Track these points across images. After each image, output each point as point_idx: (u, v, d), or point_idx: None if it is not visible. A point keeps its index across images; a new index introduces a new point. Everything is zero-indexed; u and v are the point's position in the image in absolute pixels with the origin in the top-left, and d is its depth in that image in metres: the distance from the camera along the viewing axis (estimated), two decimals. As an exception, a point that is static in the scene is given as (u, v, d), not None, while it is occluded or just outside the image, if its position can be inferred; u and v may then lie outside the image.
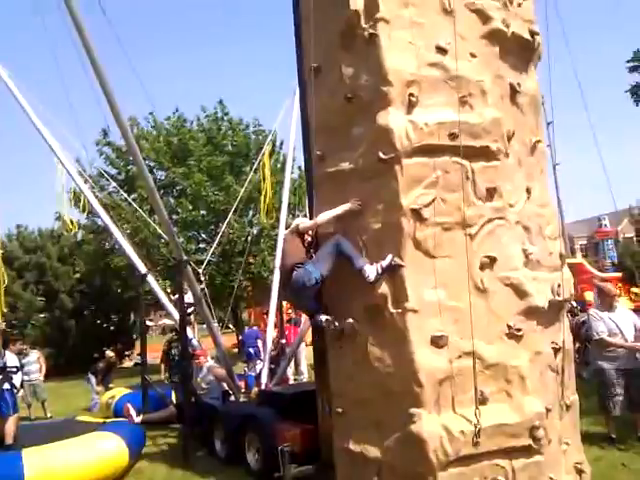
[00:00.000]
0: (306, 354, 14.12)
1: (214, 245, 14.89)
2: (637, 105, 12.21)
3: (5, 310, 21.20)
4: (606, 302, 7.23)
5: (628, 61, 12.38)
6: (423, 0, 5.17)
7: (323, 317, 5.34)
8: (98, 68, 6.67)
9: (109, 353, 15.15)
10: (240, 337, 18.51)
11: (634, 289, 18.54)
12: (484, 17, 5.29)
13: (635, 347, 6.91)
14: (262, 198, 13.17)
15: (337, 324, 5.22)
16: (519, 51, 5.67)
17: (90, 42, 6.52)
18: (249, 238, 19.45)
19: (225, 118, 22.30)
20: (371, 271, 4.91)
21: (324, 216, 5.35)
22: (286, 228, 12.25)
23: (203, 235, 21.59)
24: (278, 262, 11.41)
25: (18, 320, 24.12)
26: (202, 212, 20.31)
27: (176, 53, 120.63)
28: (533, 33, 5.73)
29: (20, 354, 12.73)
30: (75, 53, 6.84)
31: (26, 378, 12.59)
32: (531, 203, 5.47)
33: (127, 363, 24.94)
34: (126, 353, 26.20)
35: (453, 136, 4.92)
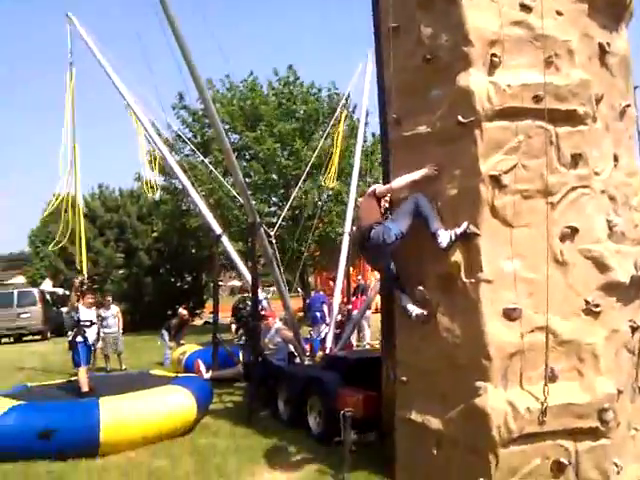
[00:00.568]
0: (371, 321, 14.17)
1: (285, 209, 14.96)
2: None
3: (87, 265, 22.50)
4: None
5: None
6: (508, -44, 4.85)
7: (414, 311, 5.10)
8: (177, 30, 6.75)
9: (182, 311, 15.63)
10: (307, 301, 18.70)
11: None
12: (573, -29, 4.93)
13: None
14: (330, 163, 13.08)
15: (425, 314, 5.04)
16: (609, 8, 5.29)
17: (170, 6, 6.59)
18: (319, 203, 19.46)
19: (297, 82, 22.19)
20: (445, 237, 4.77)
21: (400, 181, 5.24)
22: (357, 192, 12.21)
23: (274, 198, 21.82)
24: (347, 227, 11.42)
25: (99, 275, 25.30)
26: (273, 176, 20.48)
27: (251, 17, 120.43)
28: (625, -11, 5.31)
29: (102, 307, 13.44)
30: (155, 15, 6.92)
31: (107, 331, 13.29)
32: (618, 171, 5.16)
33: (198, 321, 25.76)
34: (197, 312, 27.09)
35: (537, 99, 4.66)
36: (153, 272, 26.42)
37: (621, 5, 5.41)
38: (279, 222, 13.56)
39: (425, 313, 5.01)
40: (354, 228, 5.65)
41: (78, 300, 8.85)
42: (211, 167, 16.82)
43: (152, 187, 13.27)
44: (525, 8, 4.82)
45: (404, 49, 5.32)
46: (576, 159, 4.77)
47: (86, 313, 8.86)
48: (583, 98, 4.81)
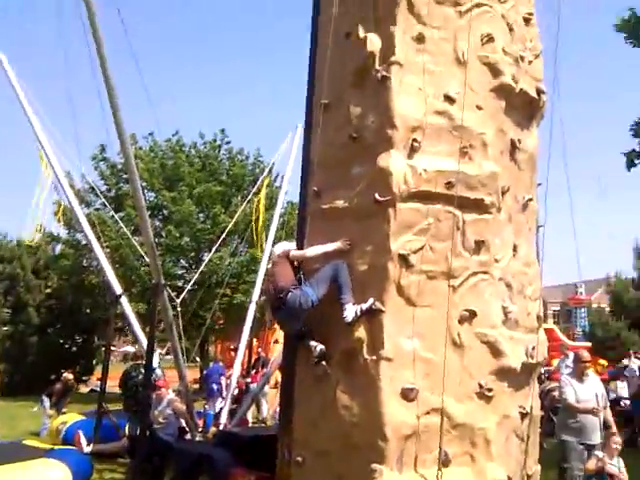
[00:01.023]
0: (269, 397, 13.77)
1: (196, 274, 14.63)
2: (629, 170, 12.37)
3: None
4: (579, 368, 7.13)
5: (633, 124, 12.44)
6: (438, 48, 5.21)
7: (318, 346, 5.00)
8: (109, 80, 6.66)
9: (67, 375, 14.59)
10: (205, 372, 18.01)
11: (601, 361, 18.45)
12: (495, 71, 5.34)
13: (594, 410, 6.67)
14: (255, 229, 13.04)
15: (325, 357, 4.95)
16: (524, 108, 5.72)
17: (105, 53, 6.53)
18: (229, 268, 19.17)
19: (225, 147, 22.42)
20: (350, 311, 4.75)
21: (313, 251, 5.23)
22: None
23: (183, 261, 21.35)
24: (255, 296, 11.25)
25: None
26: (186, 238, 20.14)
27: (182, 74, 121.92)
28: (540, 91, 5.78)
29: None
30: (87, 62, 6.82)
31: None
32: (516, 260, 5.42)
33: (83, 388, 24.13)
34: (84, 378, 25.43)
35: (449, 185, 4.88)
36: (41, 331, 24.66)
37: (535, 106, 5.84)
38: (188, 287, 13.17)
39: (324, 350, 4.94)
40: (267, 288, 5.48)
41: None
42: (120, 222, 16.33)
43: (38, 231, 12.53)
44: (449, 99, 5.10)
45: (333, 124, 5.46)
46: (479, 245, 4.98)
47: None
48: (491, 189, 5.09)
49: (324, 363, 4.96)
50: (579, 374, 7.05)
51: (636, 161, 12.01)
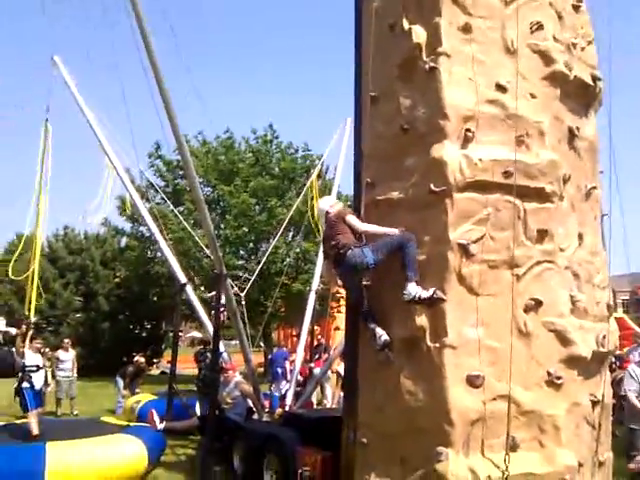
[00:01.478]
0: (332, 382, 14.05)
1: (259, 266, 14.94)
2: None
3: (43, 306, 21.96)
4: None
5: None
6: (486, 38, 5.19)
7: (383, 336, 5.09)
8: (160, 80, 6.89)
9: (139, 358, 15.27)
10: (269, 356, 18.49)
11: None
12: (547, 59, 5.28)
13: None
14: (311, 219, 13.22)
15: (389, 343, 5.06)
16: (580, 95, 5.63)
17: (155, 56, 6.75)
18: (287, 259, 19.57)
19: (274, 142, 22.67)
20: (412, 289, 4.80)
21: (370, 227, 5.28)
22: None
23: (242, 252, 21.82)
24: (315, 285, 11.46)
25: (55, 317, 24.61)
26: (244, 229, 20.57)
27: (232, 72, 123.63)
28: (595, 78, 5.69)
29: (60, 349, 13.11)
30: (139, 64, 7.06)
31: (62, 374, 12.91)
32: (582, 249, 5.36)
33: (154, 371, 25.13)
34: (154, 360, 26.45)
35: (507, 174, 4.87)
36: (111, 318, 25.81)
37: (591, 93, 5.74)
38: (251, 280, 13.49)
39: (388, 341, 5.03)
40: (327, 241, 5.58)
41: (24, 344, 8.63)
42: (180, 217, 16.83)
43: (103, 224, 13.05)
44: (501, 88, 5.08)
45: (383, 117, 5.53)
46: (542, 234, 4.96)
47: (32, 358, 8.62)
48: (551, 177, 5.05)
49: (386, 350, 5.08)
50: None
51: None
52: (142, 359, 15.39)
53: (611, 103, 5.51)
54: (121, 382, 13.97)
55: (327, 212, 5.57)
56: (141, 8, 6.52)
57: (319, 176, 16.37)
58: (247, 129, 28.10)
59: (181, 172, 20.91)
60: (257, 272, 14.08)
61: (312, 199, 13.27)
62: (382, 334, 5.08)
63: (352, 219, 5.35)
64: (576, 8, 5.78)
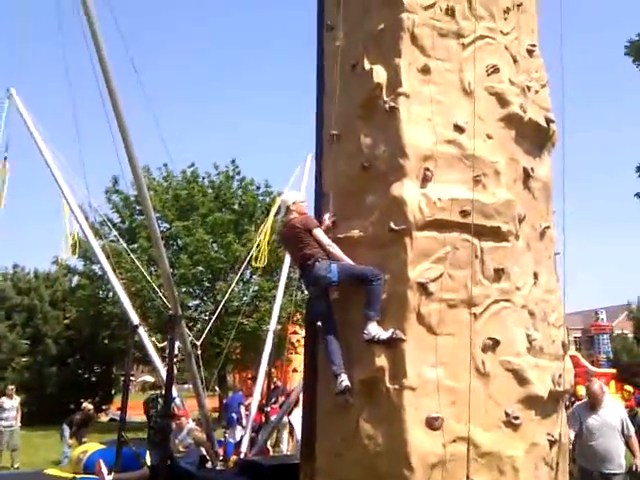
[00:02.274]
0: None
1: (217, 311, 14.66)
2: None
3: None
4: (589, 401, 7.12)
5: (638, 167, 12.59)
6: (444, 79, 5.29)
7: (343, 382, 4.86)
8: (119, 112, 6.79)
9: (87, 405, 14.67)
10: (224, 401, 18.03)
11: (627, 387, 18.19)
12: (502, 101, 5.40)
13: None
14: (260, 244, 13.10)
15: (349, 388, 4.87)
16: (534, 137, 5.77)
17: (116, 89, 6.67)
18: (244, 299, 19.37)
19: (237, 177, 22.78)
20: (373, 330, 4.71)
21: (338, 252, 5.16)
22: (284, 290, 12.20)
23: (197, 291, 21.50)
24: (272, 325, 11.27)
25: (-1, 362, 23.61)
26: (200, 268, 20.31)
27: (192, 109, 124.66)
28: (549, 120, 5.85)
29: (3, 395, 12.45)
30: (98, 96, 6.94)
31: (4, 423, 12.26)
32: (538, 288, 5.41)
33: (103, 418, 24.20)
34: (103, 407, 25.49)
35: (465, 213, 4.91)
36: (59, 362, 24.86)
37: (544, 135, 5.89)
38: (206, 330, 13.13)
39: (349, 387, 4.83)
40: (285, 243, 5.47)
41: None
42: (131, 255, 16.48)
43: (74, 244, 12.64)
44: (458, 129, 5.16)
45: (344, 155, 5.53)
46: (499, 273, 4.98)
47: None
48: (507, 217, 5.11)
49: (348, 395, 4.95)
50: (591, 406, 7.00)
51: None
52: (90, 406, 14.79)
53: (564, 147, 5.68)
54: (67, 431, 13.35)
55: (289, 208, 5.52)
56: (102, 41, 6.46)
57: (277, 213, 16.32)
58: (208, 166, 28.20)
59: (139, 208, 20.65)
60: (210, 311, 13.80)
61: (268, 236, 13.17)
62: (343, 380, 4.90)
63: (320, 234, 5.26)
64: (530, 52, 5.98)
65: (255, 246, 13.19)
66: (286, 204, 5.61)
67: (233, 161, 23.04)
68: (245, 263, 14.55)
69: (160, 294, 13.97)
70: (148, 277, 15.34)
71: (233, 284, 16.12)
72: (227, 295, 15.04)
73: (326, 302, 5.20)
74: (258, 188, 23.03)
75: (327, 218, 5.44)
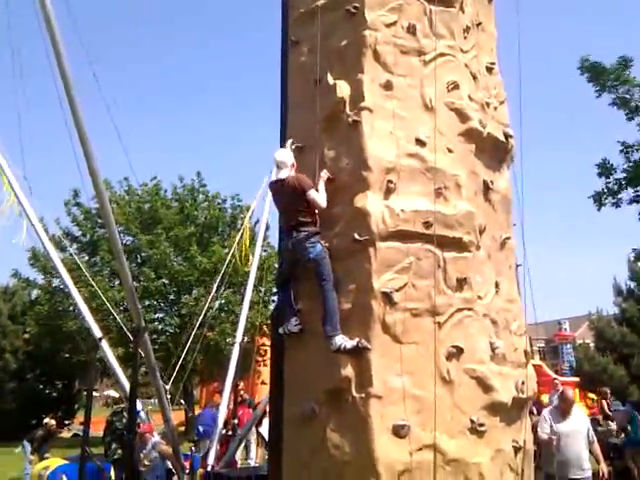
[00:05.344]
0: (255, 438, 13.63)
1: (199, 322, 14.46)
2: (599, 210, 12.94)
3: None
4: (561, 407, 7.22)
5: (597, 165, 13.05)
6: (406, 95, 5.43)
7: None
8: (81, 127, 6.70)
9: (49, 421, 14.32)
10: (189, 414, 17.83)
11: (591, 395, 18.61)
12: (462, 116, 5.58)
13: (550, 441, 6.76)
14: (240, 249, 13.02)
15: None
16: (493, 151, 5.96)
17: (78, 104, 6.58)
18: (210, 312, 19.17)
19: (201, 190, 22.59)
20: (338, 341, 4.76)
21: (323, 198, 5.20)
22: (250, 304, 12.14)
23: (162, 304, 21.24)
24: (238, 337, 11.20)
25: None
26: (164, 281, 20.09)
27: (158, 123, 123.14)
28: (507, 135, 6.06)
29: None
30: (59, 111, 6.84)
31: None
32: (499, 297, 5.55)
33: (65, 433, 23.61)
34: (66, 422, 24.89)
35: (427, 224, 5.04)
36: (19, 377, 24.21)
37: (504, 149, 6.09)
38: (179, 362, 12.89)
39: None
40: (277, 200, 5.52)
41: None
42: (85, 270, 16.20)
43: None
44: (420, 142, 5.30)
45: (307, 167, 5.59)
46: (461, 283, 5.11)
47: None
48: (468, 228, 5.26)
49: (312, 402, 4.99)
50: (562, 412, 7.12)
51: (605, 201, 12.65)
52: (52, 421, 14.43)
53: (522, 161, 5.86)
54: (29, 447, 13.02)
55: (288, 165, 5.37)
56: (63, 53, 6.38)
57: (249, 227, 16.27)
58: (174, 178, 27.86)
59: (100, 221, 20.33)
60: (176, 326, 13.63)
61: (242, 245, 13.10)
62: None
63: (314, 195, 5.18)
64: (489, 70, 6.20)
65: (232, 250, 13.09)
66: (285, 164, 5.39)
67: (198, 174, 22.92)
68: (217, 282, 14.42)
69: (113, 312, 13.75)
70: (99, 291, 15.05)
71: (211, 296, 15.88)
72: (207, 304, 14.78)
73: (290, 271, 5.34)
74: (224, 201, 23.02)
75: (323, 174, 5.34)
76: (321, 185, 5.25)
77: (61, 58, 6.32)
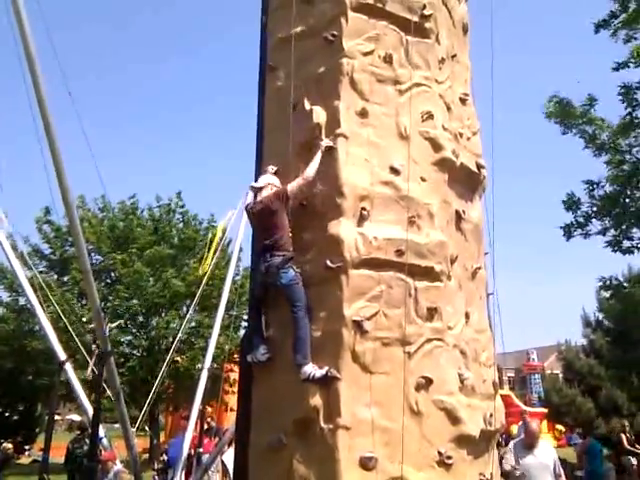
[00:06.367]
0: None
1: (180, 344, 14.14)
2: (567, 240, 13.24)
3: None
4: (526, 440, 7.22)
5: (563, 201, 13.37)
6: (381, 123, 5.45)
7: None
8: (53, 141, 6.60)
9: (7, 445, 13.86)
10: (154, 441, 17.39)
11: (558, 426, 18.70)
12: (436, 146, 5.61)
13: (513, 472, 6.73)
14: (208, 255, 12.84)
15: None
16: (466, 181, 6.01)
17: (50, 117, 6.49)
18: (179, 335, 18.87)
19: (179, 210, 22.44)
20: (308, 369, 4.69)
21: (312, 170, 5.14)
22: (221, 326, 11.96)
23: (130, 326, 20.84)
24: (207, 363, 11.00)
25: None
26: (135, 301, 19.75)
27: (137, 144, 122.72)
28: (479, 166, 6.14)
29: None
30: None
31: None
32: (469, 327, 5.54)
33: (25, 459, 22.86)
34: (26, 447, 24.09)
35: (400, 253, 5.01)
36: (-22, 399, 23.44)
37: (475, 179, 6.15)
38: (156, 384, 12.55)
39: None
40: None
41: None
42: (46, 289, 15.79)
43: None
44: (394, 171, 5.31)
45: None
46: (432, 312, 5.08)
47: None
48: (440, 257, 5.25)
49: (279, 433, 4.87)
50: (528, 445, 7.11)
51: (574, 232, 13.01)
52: (10, 445, 13.98)
53: (494, 191, 5.93)
54: (-17, 473, 12.55)
55: (262, 188, 5.32)
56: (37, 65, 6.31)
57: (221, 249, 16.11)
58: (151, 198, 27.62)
59: (71, 238, 20.00)
60: (139, 345, 13.30)
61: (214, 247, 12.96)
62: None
63: (293, 184, 5.15)
64: (463, 101, 6.28)
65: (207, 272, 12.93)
66: (261, 185, 5.37)
67: (179, 193, 22.74)
68: (194, 303, 14.15)
69: (75, 336, 13.37)
70: (60, 313, 14.67)
71: (186, 319, 15.63)
72: (183, 327, 14.50)
73: (261, 295, 5.29)
74: (201, 223, 22.82)
75: (323, 143, 5.26)
76: (318, 155, 5.19)
77: (34, 66, 6.27)
